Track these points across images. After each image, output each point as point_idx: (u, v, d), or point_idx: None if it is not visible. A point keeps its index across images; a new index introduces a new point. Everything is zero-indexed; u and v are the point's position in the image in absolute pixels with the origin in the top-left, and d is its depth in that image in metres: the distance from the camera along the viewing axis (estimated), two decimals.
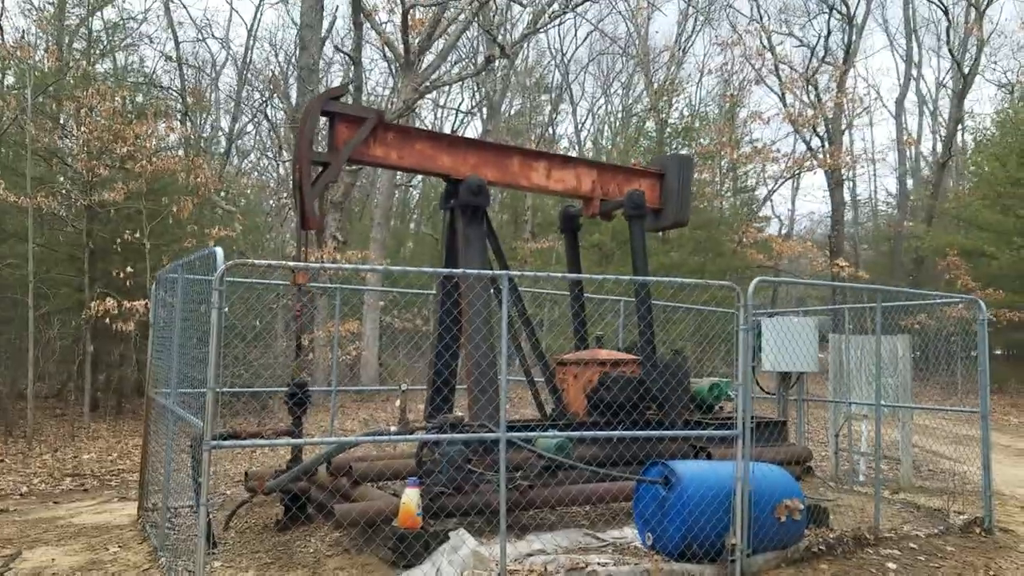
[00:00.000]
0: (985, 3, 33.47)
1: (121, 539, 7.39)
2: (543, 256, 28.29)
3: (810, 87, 33.49)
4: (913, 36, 41.37)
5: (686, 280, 7.31)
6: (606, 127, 43.16)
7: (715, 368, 12.86)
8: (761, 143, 32.96)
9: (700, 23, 41.01)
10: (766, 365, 10.69)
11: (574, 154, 39.63)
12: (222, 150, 31.48)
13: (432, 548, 6.12)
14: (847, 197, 41.32)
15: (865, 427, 10.93)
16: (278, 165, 33.60)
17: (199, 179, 16.59)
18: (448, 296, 8.38)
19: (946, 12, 34.36)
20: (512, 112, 39.54)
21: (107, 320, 13.95)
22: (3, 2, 18.43)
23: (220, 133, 34.62)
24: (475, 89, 37.13)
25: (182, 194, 16.24)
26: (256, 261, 6.28)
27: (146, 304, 12.31)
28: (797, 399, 11.22)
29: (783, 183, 34.24)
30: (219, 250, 5.41)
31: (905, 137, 42.19)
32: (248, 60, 33.32)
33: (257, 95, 34.06)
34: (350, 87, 21.64)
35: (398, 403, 7.57)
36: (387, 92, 35.24)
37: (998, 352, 28.04)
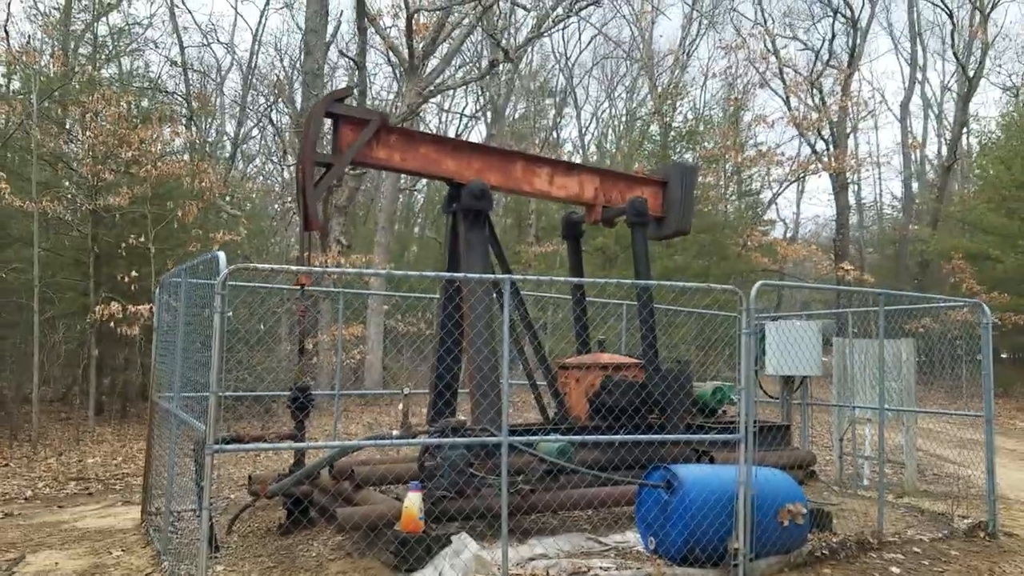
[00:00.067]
0: (990, 6, 33.47)
1: (124, 543, 7.40)
2: (547, 260, 28.29)
3: (814, 90, 33.48)
4: (918, 39, 41.36)
5: (688, 284, 7.31)
6: (610, 131, 43.18)
7: (718, 372, 12.85)
8: (765, 146, 32.89)
9: (704, 27, 41.07)
10: (769, 369, 10.68)
11: (578, 158, 39.66)
12: (227, 154, 31.60)
13: (434, 552, 6.12)
14: (852, 201, 41.31)
15: (869, 431, 10.90)
16: (283, 169, 33.64)
17: (204, 183, 16.62)
18: (450, 300, 8.39)
19: (951, 15, 34.37)
20: (516, 116, 39.60)
21: (112, 324, 13.99)
22: (9, 7, 18.49)
23: (225, 138, 34.77)
24: (479, 93, 37.19)
25: (187, 198, 16.27)
26: (259, 265, 6.29)
27: (150, 308, 12.34)
28: (801, 403, 11.20)
29: (787, 187, 34.16)
30: (221, 254, 5.43)
31: (910, 140, 42.11)
32: (253, 65, 33.44)
33: (262, 100, 34.17)
34: (354, 89, 21.68)
35: (400, 407, 7.57)
36: (391, 96, 35.35)
37: (1004, 356, 27.96)
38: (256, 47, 42.42)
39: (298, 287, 7.01)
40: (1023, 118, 29.25)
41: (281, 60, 42.75)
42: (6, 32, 19.56)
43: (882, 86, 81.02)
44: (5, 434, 14.18)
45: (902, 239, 36.19)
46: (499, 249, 8.96)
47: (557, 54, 52.29)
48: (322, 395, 13.28)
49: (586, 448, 8.13)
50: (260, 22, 68.07)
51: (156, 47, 40.16)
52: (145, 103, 21.47)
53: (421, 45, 20.87)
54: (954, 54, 34.93)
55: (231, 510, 8.16)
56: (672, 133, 31.09)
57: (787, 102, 34.31)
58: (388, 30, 24.83)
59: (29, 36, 23.04)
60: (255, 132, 36.14)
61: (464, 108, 40.36)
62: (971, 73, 33.92)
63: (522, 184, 8.73)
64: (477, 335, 7.79)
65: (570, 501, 7.33)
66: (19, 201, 14.11)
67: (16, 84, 20.17)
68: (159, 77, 30.21)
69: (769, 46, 34.68)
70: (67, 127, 17.84)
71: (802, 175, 33.31)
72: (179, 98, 28.22)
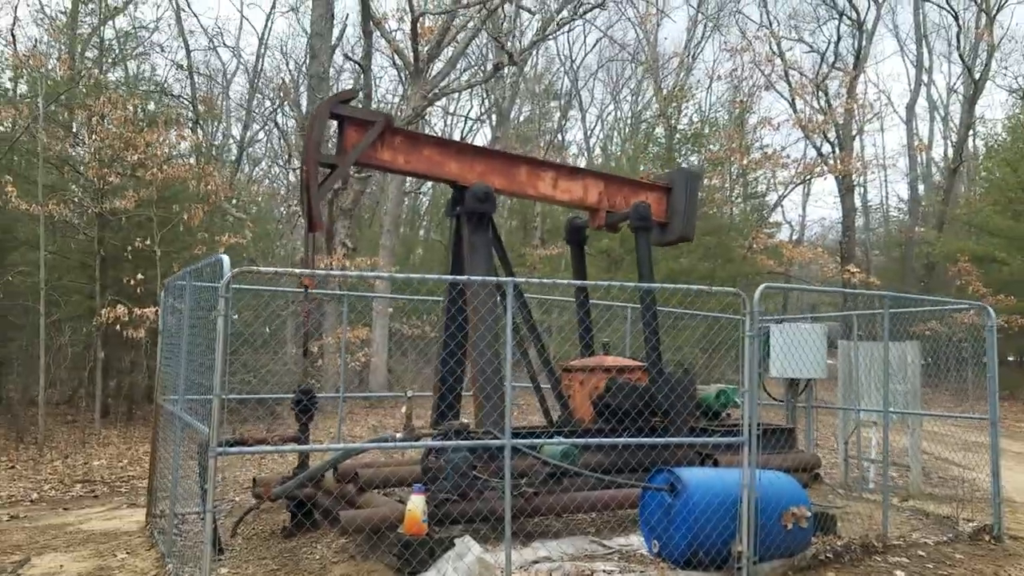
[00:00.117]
0: (995, 8, 33.40)
1: (129, 545, 7.42)
2: (552, 262, 28.29)
3: (820, 93, 33.43)
4: (923, 41, 41.32)
5: (692, 286, 7.29)
6: (615, 133, 43.24)
7: (723, 375, 12.83)
8: (771, 149, 32.93)
9: (709, 29, 41.11)
10: (774, 372, 10.66)
11: (583, 161, 39.71)
12: (233, 158, 31.74)
13: (437, 555, 6.12)
14: (858, 203, 41.17)
15: (874, 434, 10.87)
16: (288, 172, 33.76)
17: (210, 187, 16.69)
18: (454, 303, 8.39)
19: (956, 17, 34.30)
20: (521, 119, 39.66)
21: (118, 327, 14.04)
22: (15, 11, 18.59)
23: (231, 141, 34.91)
24: (484, 96, 37.26)
25: (193, 202, 16.34)
26: (262, 268, 6.31)
27: (156, 311, 12.39)
28: (806, 406, 11.18)
29: (793, 189, 34.12)
30: (225, 257, 5.45)
31: (916, 143, 42.06)
32: (259, 68, 33.63)
33: (268, 103, 34.34)
34: (360, 92, 21.74)
35: (404, 410, 7.58)
36: (397, 100, 35.39)
37: (1010, 358, 27.87)
38: (262, 51, 42.64)
39: (302, 289, 7.03)
40: None
41: (287, 64, 42.93)
42: (13, 36, 19.70)
43: (888, 88, 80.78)
44: (11, 436, 14.25)
45: (908, 241, 36.11)
46: (503, 252, 8.97)
47: (562, 57, 52.27)
48: (327, 397, 13.32)
49: (590, 451, 8.12)
50: (266, 26, 68.50)
51: (162, 51, 40.44)
52: (151, 106, 21.56)
53: (426, 48, 20.91)
54: (960, 56, 34.86)
55: (235, 513, 8.18)
56: (677, 136, 31.10)
57: (792, 104, 34.28)
58: (393, 33, 24.89)
59: (36, 40, 23.24)
60: (261, 135, 36.33)
61: (469, 111, 40.47)
62: (977, 75, 33.83)
63: (526, 188, 8.73)
64: (480, 338, 7.80)
65: (573, 504, 7.33)
66: (25, 204, 14.18)
67: (23, 88, 20.29)
68: (165, 81, 30.42)
69: (774, 48, 34.66)
70: (73, 130, 17.92)
71: (808, 178, 33.27)
72: (185, 101, 28.35)
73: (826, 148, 33.32)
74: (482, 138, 41.83)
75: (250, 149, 35.10)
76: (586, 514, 7.84)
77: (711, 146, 30.29)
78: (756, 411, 6.66)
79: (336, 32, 25.94)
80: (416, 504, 6.22)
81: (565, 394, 9.18)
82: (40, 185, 14.63)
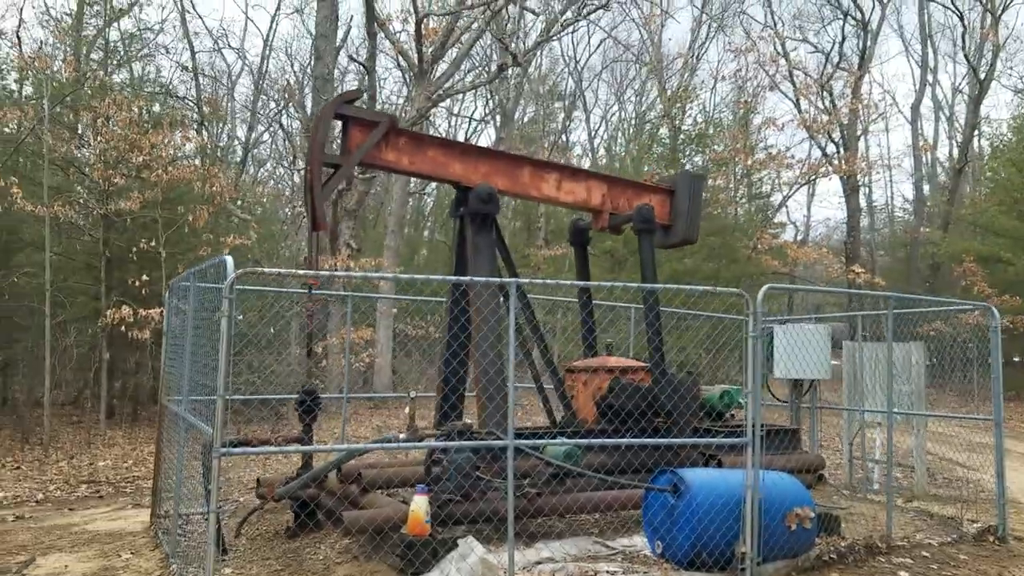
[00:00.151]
0: (1001, 8, 33.31)
1: (134, 546, 7.44)
2: (556, 263, 28.28)
3: (825, 93, 33.37)
4: (928, 41, 41.19)
5: (695, 287, 7.29)
6: (619, 134, 43.20)
7: (727, 375, 12.81)
8: (776, 149, 32.82)
9: (714, 30, 41.03)
10: (778, 372, 10.65)
11: (587, 161, 39.71)
12: (238, 159, 31.78)
13: (440, 555, 6.13)
14: (863, 203, 41.13)
15: (879, 435, 10.85)
16: (293, 174, 33.88)
17: (215, 188, 16.72)
18: (457, 304, 8.40)
19: (961, 17, 34.23)
20: (526, 120, 39.65)
21: (123, 328, 14.07)
22: (21, 13, 18.66)
23: (236, 142, 34.96)
24: (488, 97, 37.26)
25: (198, 203, 16.37)
26: (266, 269, 6.33)
27: (161, 312, 12.41)
28: (811, 406, 11.16)
29: (798, 189, 34.09)
30: (229, 259, 5.46)
31: (921, 143, 41.93)
32: (264, 70, 33.65)
33: (273, 104, 34.36)
34: (364, 93, 21.76)
35: (407, 410, 7.59)
36: (401, 101, 35.44)
37: (1016, 359, 27.75)
38: (267, 52, 42.56)
39: (305, 288, 7.05)
40: None
41: (292, 65, 42.97)
42: (18, 38, 19.77)
43: (893, 88, 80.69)
44: (17, 437, 14.29)
45: (913, 242, 36.01)
46: (506, 253, 8.97)
47: (566, 58, 52.16)
48: (331, 398, 13.36)
49: (593, 452, 8.12)
50: (271, 27, 68.34)
51: (167, 52, 40.36)
52: (156, 108, 21.63)
53: (430, 50, 20.94)
54: (965, 56, 34.77)
55: (239, 513, 8.19)
56: (682, 136, 31.08)
57: (797, 105, 34.23)
58: (398, 35, 24.93)
59: (41, 42, 23.26)
60: (266, 137, 36.37)
61: (473, 112, 40.48)
62: (982, 75, 33.75)
63: (529, 189, 8.73)
64: (483, 338, 7.80)
65: (577, 505, 7.33)
66: (31, 206, 14.22)
67: (28, 89, 20.35)
68: (170, 82, 30.47)
69: (779, 49, 34.66)
70: (79, 132, 17.98)
71: (812, 178, 33.24)
72: (190, 103, 28.43)
73: (831, 148, 33.29)
74: (486, 139, 41.91)
75: (255, 150, 35.20)
76: (589, 515, 7.84)
77: (715, 147, 30.26)
78: (760, 412, 6.65)
79: (341, 33, 25.98)
80: (419, 505, 6.23)
81: (568, 395, 9.18)
82: (45, 186, 14.68)
